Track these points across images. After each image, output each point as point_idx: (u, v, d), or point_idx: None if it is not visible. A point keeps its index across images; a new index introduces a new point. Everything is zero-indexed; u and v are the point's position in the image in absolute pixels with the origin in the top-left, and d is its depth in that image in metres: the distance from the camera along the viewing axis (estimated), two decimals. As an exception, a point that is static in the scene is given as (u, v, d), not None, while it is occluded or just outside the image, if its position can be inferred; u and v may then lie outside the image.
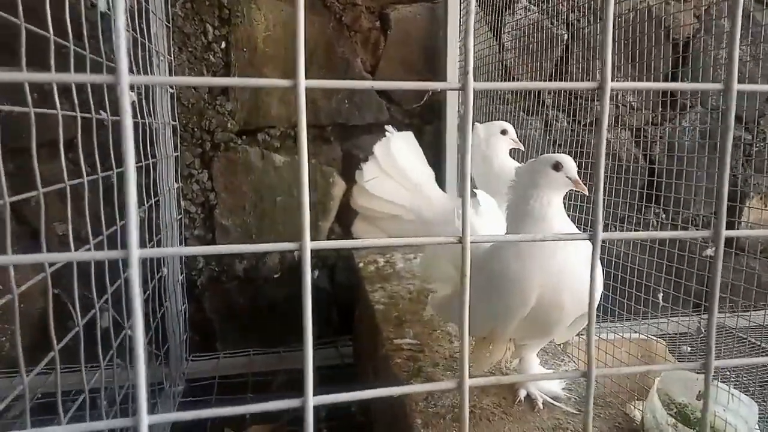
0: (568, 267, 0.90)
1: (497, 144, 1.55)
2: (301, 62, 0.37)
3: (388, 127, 1.45)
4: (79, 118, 1.08)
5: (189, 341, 2.19)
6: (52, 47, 0.89)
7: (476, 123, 1.62)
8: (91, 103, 1.14)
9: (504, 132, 1.54)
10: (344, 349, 2.32)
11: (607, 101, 0.44)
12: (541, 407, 1.06)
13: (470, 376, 0.45)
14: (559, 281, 0.89)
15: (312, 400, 0.43)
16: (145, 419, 0.35)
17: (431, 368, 1.24)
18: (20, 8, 0.79)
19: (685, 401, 1.08)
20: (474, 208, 1.25)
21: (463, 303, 0.47)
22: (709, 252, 1.59)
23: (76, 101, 1.06)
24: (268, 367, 2.22)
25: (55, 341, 0.84)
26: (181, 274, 2.08)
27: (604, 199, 0.98)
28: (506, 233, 1.08)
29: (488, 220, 1.24)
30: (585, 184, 0.95)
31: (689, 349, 1.49)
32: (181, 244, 2.09)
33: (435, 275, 1.37)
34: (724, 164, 0.44)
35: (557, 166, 0.91)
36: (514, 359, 1.14)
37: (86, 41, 1.09)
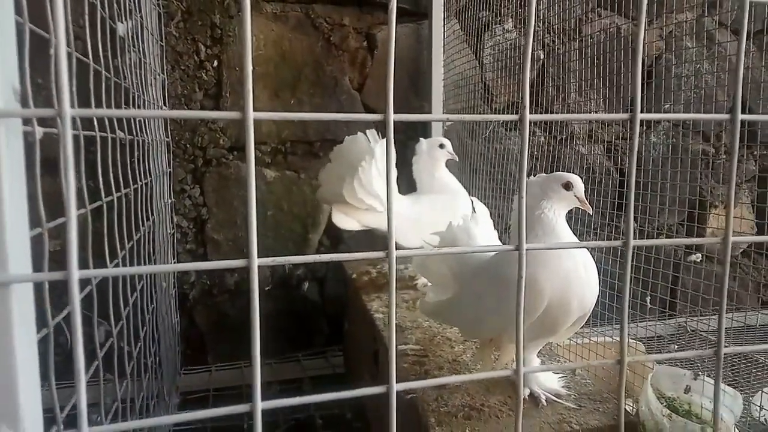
0: (573, 272, 0.99)
1: (436, 155, 1.78)
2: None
3: (371, 132, 1.74)
4: (106, 138, 1.12)
5: (181, 354, 2.22)
6: (92, 73, 0.95)
7: (421, 138, 1.89)
8: (112, 122, 1.19)
9: (441, 146, 1.78)
10: (334, 359, 2.38)
11: (637, 130, 0.53)
12: (545, 404, 1.14)
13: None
14: (567, 285, 0.98)
15: (395, 387, 0.50)
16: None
17: (437, 371, 1.31)
18: (71, 34, 0.84)
19: (673, 395, 1.18)
20: (471, 215, 1.34)
21: (519, 304, 0.54)
22: (694, 258, 1.72)
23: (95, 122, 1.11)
24: (261, 379, 2.25)
25: (100, 354, 0.89)
26: (174, 287, 2.11)
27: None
28: (511, 240, 1.17)
29: (483, 225, 1.33)
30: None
31: (676, 347, 1.63)
32: (174, 258, 2.12)
33: (430, 278, 1.45)
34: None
35: (568, 186, 1.01)
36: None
37: (110, 64, 1.14)
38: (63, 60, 0.38)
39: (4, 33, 0.43)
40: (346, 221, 1.76)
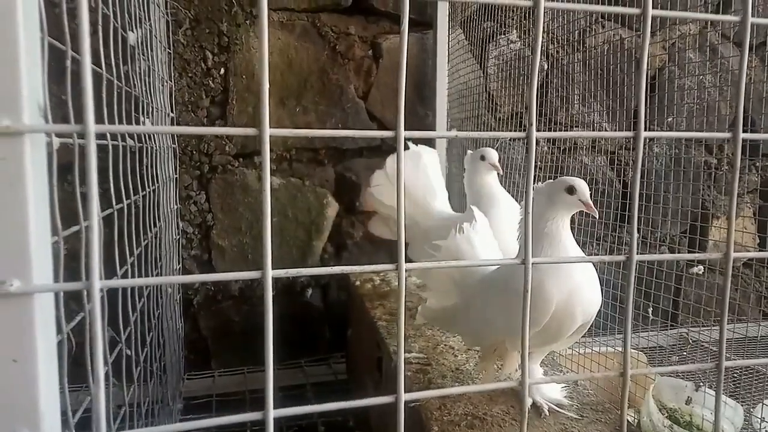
0: (578, 283, 1.00)
1: (477, 167, 1.76)
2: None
3: (411, 144, 1.80)
4: (113, 146, 1.14)
5: (185, 360, 2.23)
6: (104, 82, 0.96)
7: (468, 150, 1.84)
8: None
9: (482, 158, 1.75)
10: (337, 366, 2.39)
11: (641, 148, 0.55)
12: (547, 414, 1.15)
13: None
14: (572, 292, 0.99)
15: (403, 397, 0.52)
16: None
17: (440, 380, 1.32)
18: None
19: (675, 406, 1.19)
20: (471, 224, 1.34)
21: (525, 317, 0.56)
22: (696, 270, 1.73)
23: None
24: (264, 384, 2.26)
25: (110, 358, 0.90)
26: (178, 293, 2.12)
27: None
28: (518, 254, 1.18)
29: (484, 235, 1.33)
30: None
31: (678, 358, 1.64)
32: (179, 264, 2.13)
33: (431, 284, 1.45)
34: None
35: (571, 190, 1.02)
36: (519, 369, 1.24)
37: (121, 72, 1.16)
38: (88, 78, 0.40)
39: (29, 51, 0.44)
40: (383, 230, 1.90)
